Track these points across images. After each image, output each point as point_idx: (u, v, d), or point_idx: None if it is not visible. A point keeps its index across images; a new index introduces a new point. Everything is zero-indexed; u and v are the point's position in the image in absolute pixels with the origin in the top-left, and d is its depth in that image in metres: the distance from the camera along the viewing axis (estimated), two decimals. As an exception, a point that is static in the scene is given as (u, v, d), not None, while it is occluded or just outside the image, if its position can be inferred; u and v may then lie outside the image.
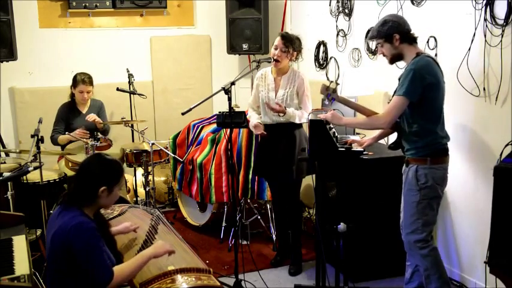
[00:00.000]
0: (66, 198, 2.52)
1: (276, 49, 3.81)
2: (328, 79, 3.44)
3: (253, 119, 3.97)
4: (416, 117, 3.05)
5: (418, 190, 3.08)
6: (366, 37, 4.46)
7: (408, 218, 3.16)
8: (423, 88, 2.96)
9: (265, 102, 3.90)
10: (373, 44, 4.39)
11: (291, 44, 3.79)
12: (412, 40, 3.10)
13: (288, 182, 3.92)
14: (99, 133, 4.75)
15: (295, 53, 3.84)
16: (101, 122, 4.69)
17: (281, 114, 3.77)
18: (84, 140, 4.41)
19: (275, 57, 3.79)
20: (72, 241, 2.32)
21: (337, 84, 3.40)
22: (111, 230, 2.82)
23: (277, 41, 3.82)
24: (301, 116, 3.82)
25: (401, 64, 3.96)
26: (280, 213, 4.20)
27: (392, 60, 3.18)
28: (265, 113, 3.96)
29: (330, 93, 3.31)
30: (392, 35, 3.06)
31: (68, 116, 4.77)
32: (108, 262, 2.38)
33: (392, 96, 3.12)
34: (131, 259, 2.52)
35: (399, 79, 3.09)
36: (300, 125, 3.90)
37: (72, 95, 4.82)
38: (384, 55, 3.18)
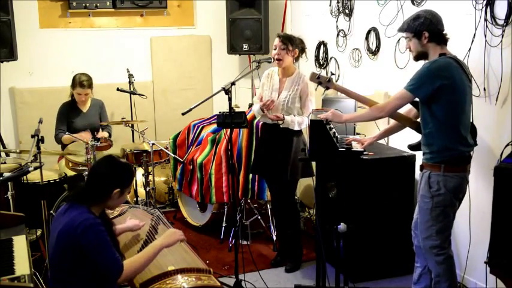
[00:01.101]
0: (75, 196, 2.53)
1: (275, 49, 3.83)
2: (331, 73, 3.44)
3: (256, 106, 3.97)
4: (430, 117, 2.97)
5: (431, 197, 2.99)
6: (365, 38, 4.46)
7: (423, 224, 3.08)
8: (433, 89, 2.88)
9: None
10: (373, 44, 4.39)
11: (289, 41, 3.80)
12: (441, 41, 2.98)
13: (282, 181, 3.93)
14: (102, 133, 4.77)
15: (297, 50, 3.84)
16: (107, 139, 4.64)
17: (280, 122, 3.79)
18: (85, 140, 4.40)
19: (276, 57, 3.81)
20: (81, 236, 2.33)
21: (331, 74, 3.38)
22: (120, 227, 2.85)
23: (275, 41, 3.85)
24: (301, 123, 3.82)
25: (402, 64, 3.98)
26: (279, 214, 4.21)
27: (417, 58, 3.07)
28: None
29: (323, 82, 3.29)
30: (422, 32, 2.96)
31: (69, 114, 4.77)
32: (117, 255, 2.39)
33: None
34: (141, 252, 2.53)
35: None
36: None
37: (72, 95, 4.82)
38: (410, 50, 3.08)
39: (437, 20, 2.97)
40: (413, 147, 3.28)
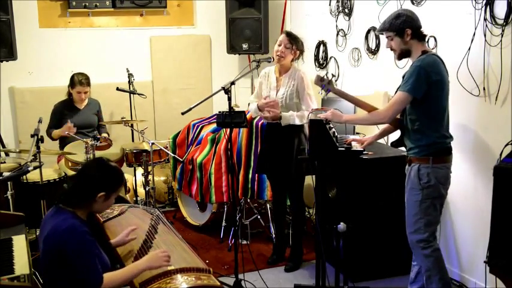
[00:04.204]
0: (61, 198, 2.51)
1: (279, 45, 3.82)
2: (327, 75, 3.44)
3: (254, 105, 3.96)
4: (419, 115, 3.03)
5: (421, 189, 3.06)
6: (365, 37, 4.46)
7: (411, 217, 3.14)
8: (428, 85, 2.94)
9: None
10: (373, 44, 4.39)
11: (295, 42, 3.82)
12: (421, 37, 3.06)
13: (288, 179, 3.93)
14: (101, 132, 4.79)
15: (298, 52, 3.85)
16: (107, 138, 4.60)
17: (278, 121, 3.78)
18: (72, 135, 4.44)
19: (279, 53, 3.81)
20: (64, 244, 2.30)
21: (332, 76, 3.39)
22: (115, 241, 2.79)
23: (282, 37, 3.84)
24: (302, 117, 3.81)
25: (401, 64, 3.97)
26: (279, 213, 4.21)
27: (400, 56, 3.13)
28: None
29: (324, 85, 3.30)
30: (405, 29, 3.01)
31: (64, 112, 4.80)
32: (99, 267, 2.36)
33: (395, 92, 3.10)
34: (124, 268, 2.51)
35: (403, 76, 3.07)
36: (301, 125, 3.91)
37: (70, 94, 4.85)
38: (392, 49, 3.12)
39: (416, 18, 3.07)
40: (396, 143, 3.31)
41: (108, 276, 2.38)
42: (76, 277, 2.32)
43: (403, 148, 3.46)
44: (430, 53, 3.04)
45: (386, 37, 3.13)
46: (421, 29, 3.07)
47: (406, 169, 3.19)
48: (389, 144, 4.18)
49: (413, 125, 3.07)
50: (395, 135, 3.57)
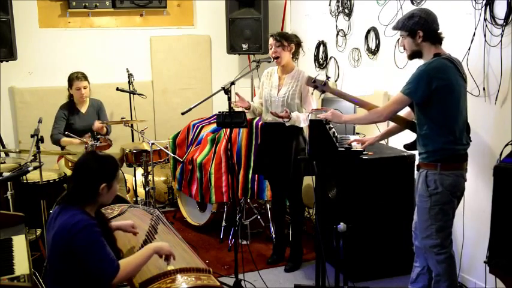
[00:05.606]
0: (66, 199, 2.51)
1: (271, 48, 3.86)
2: (327, 77, 3.44)
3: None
4: (426, 119, 2.97)
5: (428, 196, 2.99)
6: (365, 37, 4.47)
7: (422, 223, 3.07)
8: (430, 90, 2.87)
9: (267, 101, 3.95)
10: (373, 44, 4.39)
11: (283, 38, 3.83)
12: (435, 40, 2.97)
13: (286, 180, 3.93)
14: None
15: (292, 45, 3.85)
16: (105, 125, 4.72)
17: (286, 120, 3.78)
18: (84, 140, 4.42)
19: (273, 55, 3.84)
20: (73, 238, 2.30)
21: (327, 77, 3.38)
22: (112, 224, 2.81)
23: (270, 41, 3.88)
24: (306, 119, 3.82)
25: (402, 64, 3.98)
26: (279, 213, 4.21)
27: (411, 56, 3.05)
28: (266, 111, 3.97)
29: (319, 85, 3.29)
30: (416, 31, 2.93)
31: (68, 116, 4.77)
32: (112, 256, 2.36)
33: None
34: (136, 252, 2.51)
35: None
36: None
37: (70, 96, 4.82)
38: (404, 48, 3.07)
39: (432, 19, 2.95)
40: (408, 146, 3.28)
41: (123, 262, 2.38)
42: (91, 269, 2.32)
43: (403, 148, 3.46)
44: (442, 56, 2.95)
45: (400, 35, 3.07)
46: (438, 32, 2.97)
47: (416, 174, 3.14)
48: (390, 145, 4.18)
49: (421, 129, 3.01)
50: (396, 135, 3.58)
